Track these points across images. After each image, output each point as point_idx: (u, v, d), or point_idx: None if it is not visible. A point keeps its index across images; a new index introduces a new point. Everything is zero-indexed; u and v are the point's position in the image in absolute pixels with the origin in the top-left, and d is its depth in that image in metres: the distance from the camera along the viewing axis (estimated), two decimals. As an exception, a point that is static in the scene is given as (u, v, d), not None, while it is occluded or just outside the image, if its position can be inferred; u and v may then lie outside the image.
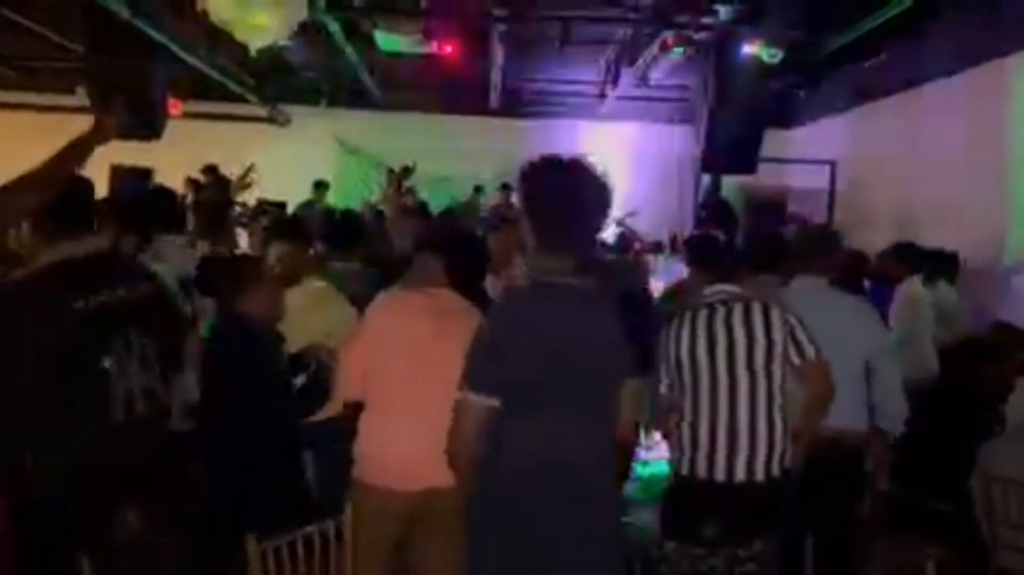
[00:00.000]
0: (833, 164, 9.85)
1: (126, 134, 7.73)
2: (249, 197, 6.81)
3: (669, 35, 7.82)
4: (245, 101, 11.16)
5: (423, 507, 2.86)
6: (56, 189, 2.46)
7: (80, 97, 9.07)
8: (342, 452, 3.04)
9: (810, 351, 3.02)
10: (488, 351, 2.28)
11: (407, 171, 5.44)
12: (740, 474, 2.95)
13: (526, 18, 8.08)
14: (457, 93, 11.46)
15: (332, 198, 10.80)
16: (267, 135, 11.92)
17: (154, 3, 7.17)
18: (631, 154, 11.66)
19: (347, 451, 3.03)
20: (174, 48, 7.99)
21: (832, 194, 9.81)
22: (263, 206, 6.44)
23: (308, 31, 7.43)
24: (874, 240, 7.64)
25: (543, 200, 2.33)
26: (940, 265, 5.90)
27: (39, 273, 2.49)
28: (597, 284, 2.42)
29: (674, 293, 4.37)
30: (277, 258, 4.01)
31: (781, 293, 3.62)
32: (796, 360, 3.02)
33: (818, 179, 10.00)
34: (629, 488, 4.41)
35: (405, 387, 2.90)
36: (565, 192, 2.29)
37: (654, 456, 5.06)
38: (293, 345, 3.32)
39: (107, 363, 2.47)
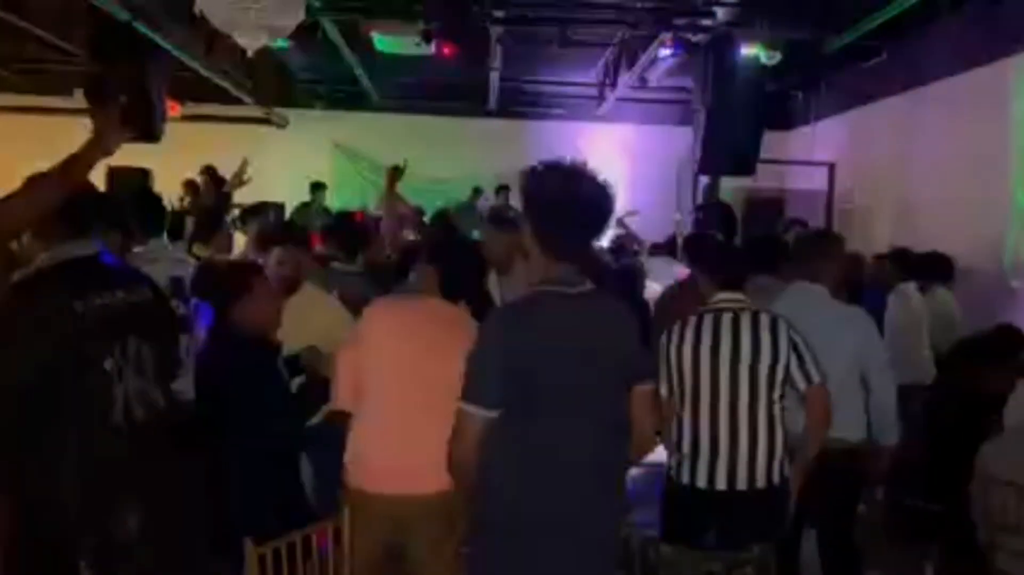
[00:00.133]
0: (832, 166, 9.86)
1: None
2: (245, 196, 6.80)
3: (667, 37, 7.82)
4: (243, 103, 11.15)
5: (413, 512, 2.86)
6: (64, 196, 2.47)
7: (78, 100, 9.06)
8: (339, 455, 3.04)
9: (815, 376, 3.02)
10: (489, 362, 2.28)
11: (398, 171, 5.41)
12: (742, 483, 2.95)
13: (524, 20, 8.08)
14: (455, 95, 11.46)
15: (329, 200, 10.80)
16: (265, 137, 11.92)
17: (153, 6, 7.17)
18: (629, 156, 11.67)
19: (343, 454, 3.03)
20: (172, 51, 7.99)
21: (831, 196, 9.81)
22: (256, 208, 6.42)
23: (306, 33, 7.43)
24: (873, 242, 7.65)
25: (545, 206, 2.33)
26: (936, 268, 5.89)
27: (40, 274, 2.49)
28: (603, 289, 2.43)
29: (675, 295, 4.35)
30: (278, 262, 4.00)
31: (779, 300, 3.62)
32: (802, 386, 3.01)
33: (817, 181, 10.00)
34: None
35: (394, 394, 2.91)
36: (567, 198, 2.29)
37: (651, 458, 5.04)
38: (294, 346, 3.34)
39: (107, 365, 2.47)
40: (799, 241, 4.19)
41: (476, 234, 5.22)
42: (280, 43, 7.13)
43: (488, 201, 10.76)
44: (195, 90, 10.47)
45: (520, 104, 12.10)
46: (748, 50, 7.78)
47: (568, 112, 12.34)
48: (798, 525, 3.68)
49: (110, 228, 3.09)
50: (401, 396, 2.90)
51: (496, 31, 8.19)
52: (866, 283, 5.93)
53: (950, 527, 3.62)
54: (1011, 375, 3.99)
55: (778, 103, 10.15)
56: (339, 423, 3.08)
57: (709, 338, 3.02)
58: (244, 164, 5.32)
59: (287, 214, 9.79)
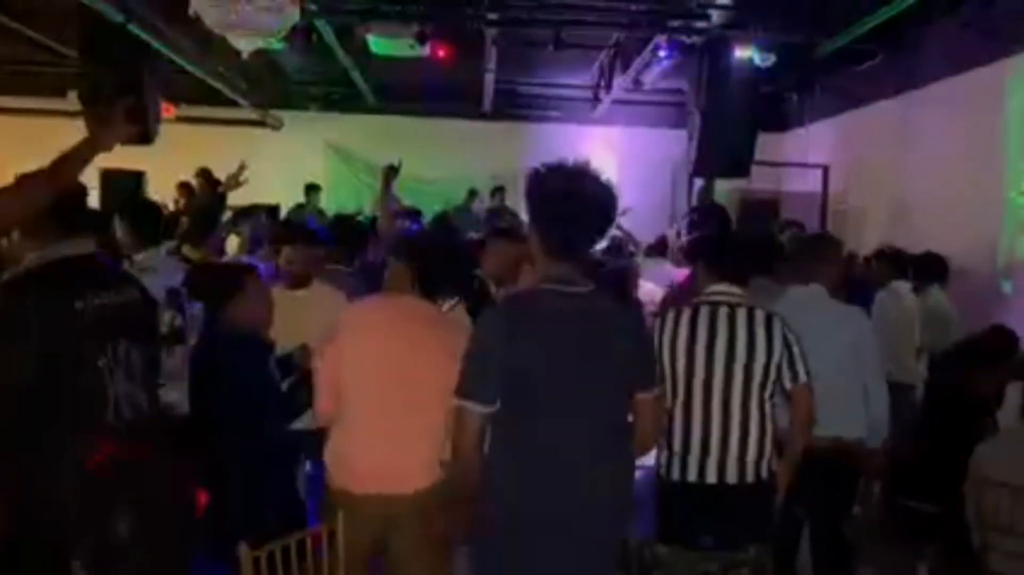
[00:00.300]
0: (826, 168, 9.88)
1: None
2: (240, 198, 6.78)
3: (662, 39, 7.83)
4: (238, 105, 11.13)
5: (397, 511, 2.86)
6: (54, 195, 2.46)
7: (72, 101, 9.04)
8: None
9: (802, 375, 3.02)
10: (485, 358, 2.30)
11: (393, 170, 5.40)
12: (731, 477, 2.95)
13: (519, 22, 8.08)
14: (450, 97, 11.46)
15: (324, 201, 10.79)
16: (260, 139, 11.90)
17: (147, 7, 7.16)
18: (625, 158, 11.67)
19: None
20: (167, 53, 7.97)
21: (825, 198, 9.84)
22: (248, 210, 6.41)
23: (300, 35, 7.42)
24: (867, 244, 7.67)
25: (548, 205, 2.35)
26: (931, 269, 5.91)
27: (31, 273, 2.49)
28: (606, 290, 2.44)
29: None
30: (287, 260, 4.05)
31: (777, 301, 3.62)
32: (788, 384, 3.02)
33: (811, 183, 10.03)
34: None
35: (373, 394, 2.91)
36: (569, 197, 2.31)
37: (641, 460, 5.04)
38: (296, 341, 3.36)
39: (101, 364, 2.48)
40: (796, 243, 4.20)
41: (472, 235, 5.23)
42: (275, 45, 7.12)
43: (484, 203, 10.77)
44: (190, 92, 10.45)
45: (515, 106, 12.10)
46: (742, 52, 7.80)
47: (563, 114, 12.34)
48: (797, 526, 3.68)
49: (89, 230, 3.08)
50: (380, 396, 2.90)
51: (491, 33, 8.20)
52: (856, 282, 5.95)
53: (945, 528, 3.63)
54: (1004, 377, 4.01)
55: (772, 105, 10.16)
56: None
57: (704, 334, 3.00)
58: (241, 167, 5.30)
59: (282, 215, 9.77)
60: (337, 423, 2.97)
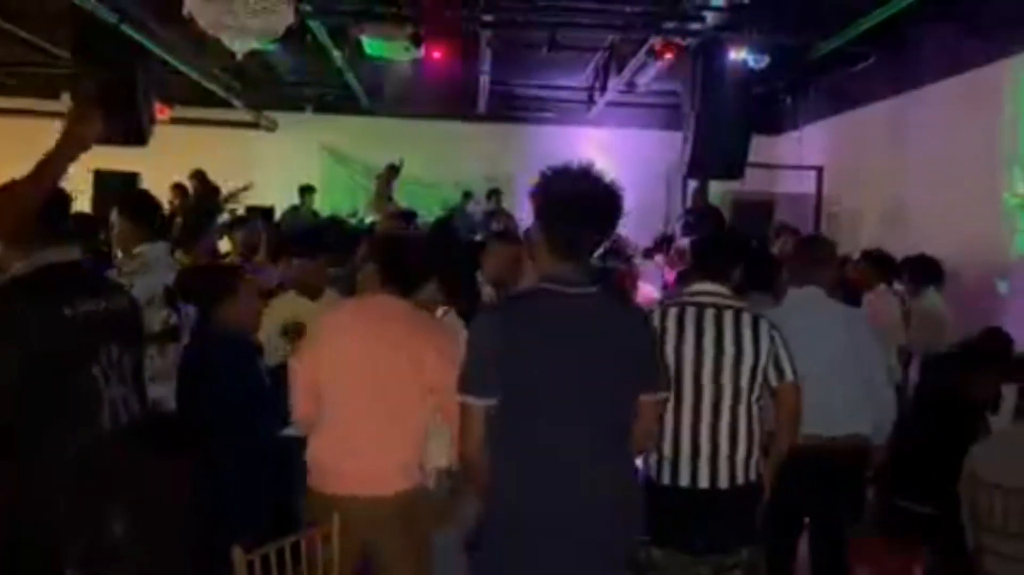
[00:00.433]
0: (820, 170, 9.90)
1: (112, 139, 7.72)
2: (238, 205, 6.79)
3: (657, 41, 7.84)
4: (232, 106, 11.12)
5: (378, 514, 2.85)
6: (42, 199, 2.45)
7: (65, 103, 9.02)
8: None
9: (788, 373, 3.02)
10: (482, 353, 2.31)
11: (394, 170, 5.38)
12: (723, 482, 2.95)
13: (514, 24, 8.08)
14: (445, 98, 11.46)
15: (318, 203, 10.78)
16: (254, 140, 11.89)
17: (140, 9, 7.14)
18: (619, 159, 11.64)
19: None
20: (161, 54, 7.96)
21: (819, 199, 9.86)
22: (243, 218, 6.41)
23: (295, 36, 7.41)
24: (861, 246, 7.67)
25: (554, 206, 2.36)
26: (925, 271, 5.92)
27: (18, 281, 2.48)
28: (609, 292, 2.45)
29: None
30: (299, 273, 4.02)
31: (781, 310, 3.64)
32: (774, 382, 3.02)
33: (805, 185, 10.05)
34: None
35: (348, 396, 2.90)
36: (576, 199, 2.33)
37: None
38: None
39: (95, 371, 2.47)
40: (796, 249, 4.15)
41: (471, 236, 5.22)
42: (269, 46, 7.11)
43: (480, 205, 10.77)
44: (184, 93, 10.44)
45: (510, 108, 12.10)
46: (736, 54, 7.81)
47: (558, 116, 12.35)
48: (797, 529, 3.67)
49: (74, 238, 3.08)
50: (358, 397, 2.89)
51: (486, 35, 8.20)
52: (848, 285, 5.97)
53: (940, 529, 3.64)
54: (999, 380, 4.02)
55: (766, 107, 10.18)
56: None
57: (692, 336, 2.98)
58: (247, 188, 5.28)
59: (276, 217, 9.77)
60: (317, 426, 2.96)
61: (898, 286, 6.10)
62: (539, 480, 2.30)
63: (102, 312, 2.55)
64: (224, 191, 5.98)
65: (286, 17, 5.81)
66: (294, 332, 3.64)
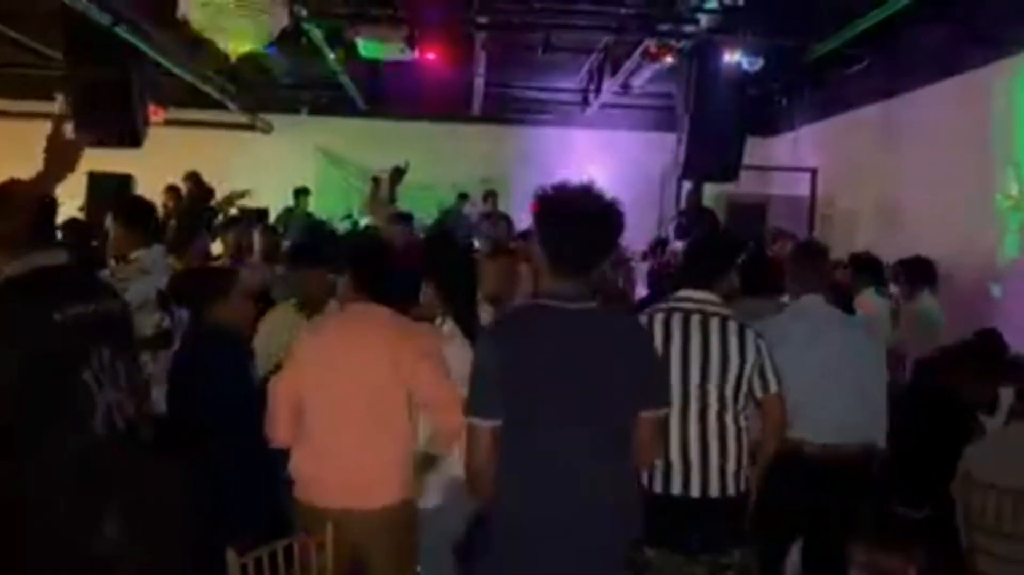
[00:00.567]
0: (814, 172, 9.93)
1: (106, 141, 7.71)
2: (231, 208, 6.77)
3: (651, 43, 7.84)
4: (227, 108, 11.10)
5: (364, 527, 2.85)
6: (30, 213, 2.46)
7: (58, 105, 8.99)
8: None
9: (773, 384, 3.03)
10: (485, 373, 2.33)
11: (400, 172, 5.35)
12: (714, 490, 2.95)
13: (509, 25, 8.08)
14: (440, 100, 11.45)
15: (313, 205, 10.77)
16: (249, 142, 11.87)
17: (134, 11, 7.13)
18: (614, 161, 11.69)
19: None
20: (155, 56, 7.95)
21: (813, 202, 9.88)
22: (236, 219, 6.41)
23: (290, 38, 7.40)
24: (855, 247, 7.69)
25: (556, 225, 2.38)
26: (920, 273, 5.93)
27: (11, 283, 2.47)
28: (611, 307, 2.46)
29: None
30: (300, 283, 3.97)
31: (782, 316, 3.65)
32: (759, 393, 3.02)
33: (799, 186, 10.07)
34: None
35: (329, 407, 2.91)
36: (578, 218, 2.35)
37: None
38: None
39: (86, 375, 2.46)
40: (794, 256, 4.15)
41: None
42: (264, 48, 7.10)
43: (476, 207, 10.77)
44: (178, 95, 10.42)
45: (505, 109, 12.10)
46: (731, 57, 7.82)
47: (552, 118, 12.35)
48: (785, 533, 3.68)
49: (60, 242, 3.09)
50: (339, 408, 2.89)
51: (480, 37, 8.20)
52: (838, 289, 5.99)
53: (933, 531, 3.65)
54: (995, 383, 4.03)
55: (761, 109, 10.19)
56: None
57: (679, 342, 2.98)
58: (243, 194, 5.23)
59: (271, 219, 9.76)
60: (300, 439, 2.95)
61: (893, 288, 6.13)
62: (540, 488, 2.32)
63: (92, 315, 2.54)
64: (219, 194, 5.94)
65: (280, 19, 5.80)
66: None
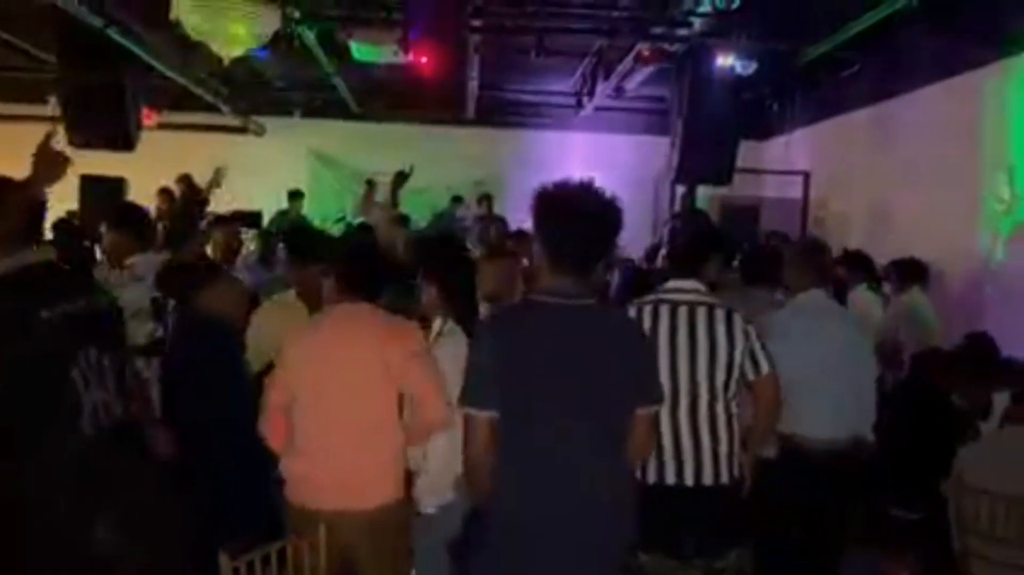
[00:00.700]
0: (807, 175, 9.96)
1: (99, 144, 7.69)
2: (223, 205, 6.75)
3: (644, 47, 7.85)
4: (220, 111, 11.08)
5: (356, 528, 2.85)
6: (23, 212, 2.46)
7: (51, 108, 8.97)
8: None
9: (765, 366, 3.04)
10: (481, 365, 2.34)
11: (403, 177, 5.35)
12: (707, 478, 2.96)
13: (502, 29, 8.09)
14: (433, 103, 11.43)
15: (306, 208, 10.75)
16: (242, 145, 11.85)
17: (127, 13, 7.11)
18: (607, 164, 11.69)
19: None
20: (148, 58, 7.93)
21: (806, 204, 9.92)
22: (226, 218, 6.38)
23: (283, 41, 7.39)
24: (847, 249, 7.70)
25: (556, 222, 2.40)
26: (910, 270, 5.99)
27: (9, 277, 2.47)
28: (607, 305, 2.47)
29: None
30: (298, 283, 3.97)
31: (783, 311, 3.67)
32: (751, 376, 3.04)
33: (792, 189, 10.10)
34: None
35: (322, 408, 2.90)
36: (577, 215, 2.37)
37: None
38: None
39: (74, 374, 2.46)
40: (792, 253, 4.18)
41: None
42: (257, 51, 7.08)
43: (470, 210, 10.77)
44: (171, 98, 10.39)
45: (499, 112, 12.11)
46: (724, 60, 7.84)
47: (546, 121, 12.36)
48: (782, 530, 3.68)
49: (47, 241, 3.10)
50: (330, 409, 2.89)
51: (474, 40, 8.20)
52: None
53: (927, 533, 3.65)
54: (988, 388, 4.03)
55: (754, 113, 10.22)
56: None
57: (666, 333, 2.99)
58: (219, 173, 5.20)
59: (264, 222, 9.74)
60: (290, 440, 2.95)
61: (886, 287, 6.18)
62: (537, 484, 2.33)
63: (80, 313, 2.54)
64: (212, 198, 5.93)
65: (273, 22, 5.79)
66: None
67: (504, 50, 9.14)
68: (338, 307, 3.03)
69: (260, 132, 12.25)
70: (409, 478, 3.07)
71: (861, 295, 5.89)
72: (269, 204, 10.39)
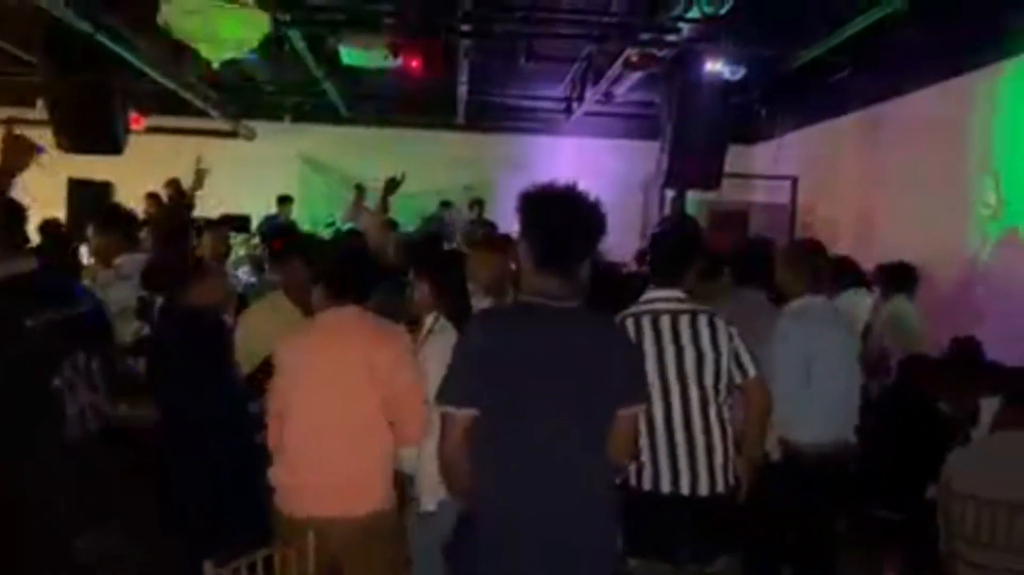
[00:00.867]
0: (795, 180, 10.00)
1: (86, 148, 7.66)
2: (213, 209, 6.73)
3: (633, 52, 7.87)
4: (209, 116, 11.05)
5: (346, 536, 2.83)
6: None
7: (40, 111, 8.93)
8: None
9: (751, 369, 3.05)
10: (462, 362, 2.35)
11: (394, 183, 5.34)
12: (703, 488, 2.96)
13: (492, 34, 8.10)
14: (422, 108, 11.45)
15: (296, 213, 10.74)
16: (232, 149, 11.81)
17: (115, 17, 7.08)
18: (597, 169, 11.70)
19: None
20: (136, 62, 7.90)
21: (794, 209, 9.96)
22: (214, 223, 6.36)
23: (272, 46, 7.38)
24: (835, 254, 7.74)
25: (540, 224, 2.41)
26: (896, 276, 6.00)
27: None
28: (594, 306, 2.48)
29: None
30: (287, 284, 3.93)
31: (781, 319, 3.68)
32: (738, 379, 3.05)
33: (780, 194, 10.14)
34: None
35: (301, 415, 2.90)
36: (561, 217, 2.38)
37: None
38: None
39: (58, 382, 2.45)
40: (785, 256, 4.18)
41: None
42: (247, 55, 7.07)
43: (460, 214, 10.76)
44: (160, 102, 10.36)
45: (488, 118, 12.12)
46: (713, 65, 7.87)
47: (536, 126, 12.38)
48: (775, 535, 3.69)
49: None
50: (320, 415, 2.88)
51: (464, 45, 8.20)
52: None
53: (911, 534, 3.67)
54: (972, 393, 4.05)
55: (742, 118, 10.26)
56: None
57: (651, 343, 2.99)
58: (200, 174, 5.02)
59: (253, 227, 9.73)
60: (279, 447, 2.94)
61: (874, 289, 6.20)
62: (520, 485, 2.33)
63: (64, 319, 2.54)
64: (200, 202, 5.91)
65: (263, 27, 5.78)
66: None
67: (494, 55, 9.15)
68: (328, 312, 3.02)
69: (250, 136, 12.22)
70: (404, 482, 3.07)
71: (848, 299, 5.90)
72: (259, 209, 10.37)
